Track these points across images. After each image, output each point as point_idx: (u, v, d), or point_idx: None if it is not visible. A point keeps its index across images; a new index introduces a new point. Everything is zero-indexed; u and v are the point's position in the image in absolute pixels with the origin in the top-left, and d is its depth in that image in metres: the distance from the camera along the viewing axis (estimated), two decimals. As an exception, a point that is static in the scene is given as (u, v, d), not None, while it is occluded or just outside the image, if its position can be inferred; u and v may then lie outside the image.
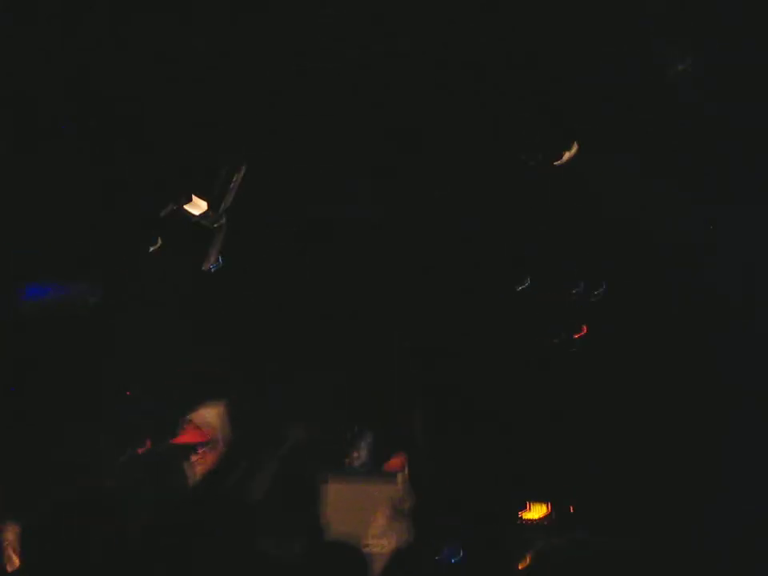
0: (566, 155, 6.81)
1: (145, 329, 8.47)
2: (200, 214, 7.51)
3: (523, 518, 8.00)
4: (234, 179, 7.40)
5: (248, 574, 3.38)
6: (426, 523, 7.14)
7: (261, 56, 6.33)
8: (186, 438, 7.19)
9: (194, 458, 7.11)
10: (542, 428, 8.65)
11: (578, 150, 6.80)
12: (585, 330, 8.94)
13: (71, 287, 8.55)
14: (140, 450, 7.47)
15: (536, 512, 8.10)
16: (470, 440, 8.57)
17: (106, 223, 7.88)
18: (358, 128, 6.94)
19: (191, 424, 7.23)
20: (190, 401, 7.48)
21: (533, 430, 8.64)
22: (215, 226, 7.64)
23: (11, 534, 4.31)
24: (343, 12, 5.95)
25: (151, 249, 7.81)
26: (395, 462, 7.42)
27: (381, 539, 7.25)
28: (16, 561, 4.17)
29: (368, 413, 8.00)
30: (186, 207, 7.50)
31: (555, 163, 6.83)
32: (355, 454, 7.59)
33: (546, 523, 8.04)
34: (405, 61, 6.31)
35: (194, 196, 7.41)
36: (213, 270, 7.87)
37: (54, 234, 7.88)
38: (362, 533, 7.22)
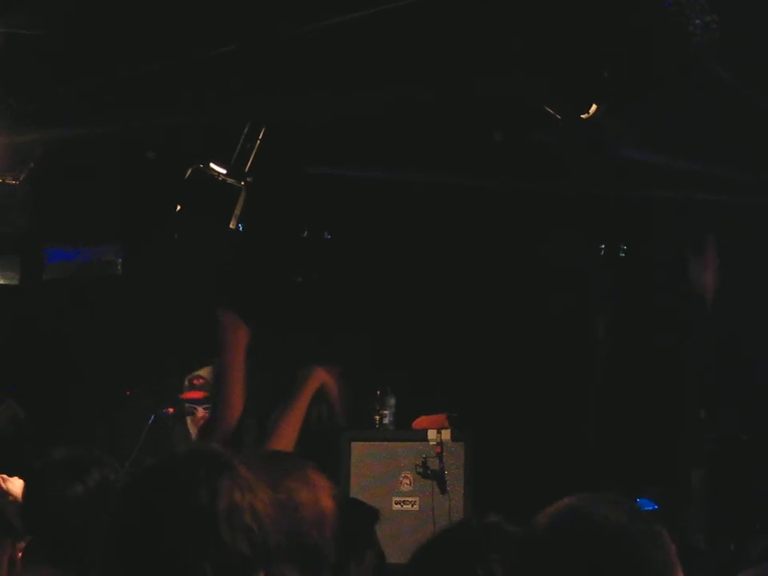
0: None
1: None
2: (225, 173, 7.43)
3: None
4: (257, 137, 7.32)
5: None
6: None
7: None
8: (190, 395, 7.22)
9: (199, 413, 7.15)
10: None
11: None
12: None
13: (95, 252, 8.50)
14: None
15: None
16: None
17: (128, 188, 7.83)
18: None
19: (191, 383, 7.28)
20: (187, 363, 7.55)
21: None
22: (240, 184, 7.54)
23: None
24: None
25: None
26: (423, 420, 7.28)
27: (409, 497, 7.16)
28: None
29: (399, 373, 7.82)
30: (211, 166, 7.43)
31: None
32: (383, 413, 7.48)
33: None
34: None
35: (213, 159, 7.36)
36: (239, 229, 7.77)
37: (77, 198, 7.82)
38: (389, 491, 7.16)
